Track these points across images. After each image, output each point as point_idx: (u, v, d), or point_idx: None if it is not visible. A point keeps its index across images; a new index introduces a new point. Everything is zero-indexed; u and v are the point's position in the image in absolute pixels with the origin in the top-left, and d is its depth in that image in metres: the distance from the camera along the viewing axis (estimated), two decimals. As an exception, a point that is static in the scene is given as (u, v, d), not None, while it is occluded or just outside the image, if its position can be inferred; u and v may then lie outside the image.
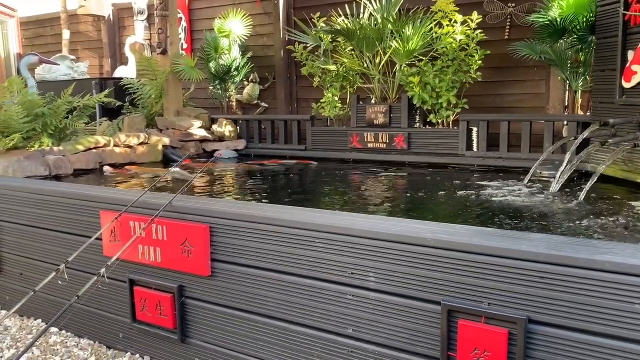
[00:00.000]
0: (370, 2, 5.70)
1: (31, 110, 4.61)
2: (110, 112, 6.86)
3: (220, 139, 6.29)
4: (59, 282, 2.07)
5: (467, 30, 5.21)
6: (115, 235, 2.74)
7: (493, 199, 3.62)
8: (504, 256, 1.77)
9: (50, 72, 7.92)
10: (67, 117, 5.08)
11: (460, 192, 3.89)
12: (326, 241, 2.12)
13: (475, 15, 5.18)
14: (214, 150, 6.13)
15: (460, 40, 5.20)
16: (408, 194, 4.20)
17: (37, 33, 10.14)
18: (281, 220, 2.24)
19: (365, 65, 5.73)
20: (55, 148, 4.68)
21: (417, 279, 1.94)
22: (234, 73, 7.07)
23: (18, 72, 6.32)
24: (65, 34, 9.20)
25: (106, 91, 5.65)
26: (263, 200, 3.79)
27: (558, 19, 4.71)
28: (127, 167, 5.12)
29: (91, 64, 9.16)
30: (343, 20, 5.81)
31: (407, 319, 1.99)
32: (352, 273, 2.09)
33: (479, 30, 5.19)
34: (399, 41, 5.32)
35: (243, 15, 7.17)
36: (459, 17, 5.20)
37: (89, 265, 2.84)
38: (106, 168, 4.85)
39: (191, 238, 2.48)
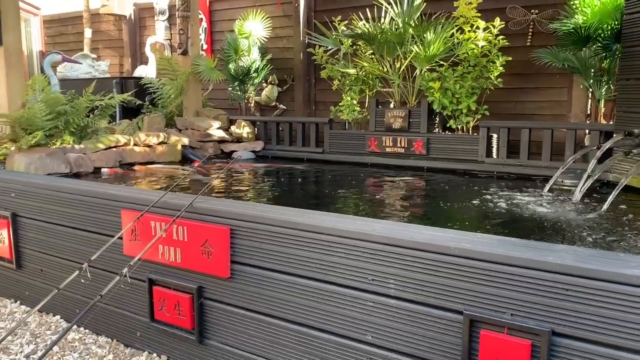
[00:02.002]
0: (392, 7, 5.68)
1: (54, 108, 4.65)
2: (130, 111, 6.92)
3: (239, 140, 6.31)
4: (82, 281, 2.08)
5: (489, 36, 5.17)
6: (135, 234, 2.75)
7: (514, 207, 3.58)
8: (529, 267, 1.75)
9: (72, 70, 8.02)
10: (88, 116, 5.13)
11: (480, 200, 3.85)
12: (347, 247, 2.11)
13: (497, 22, 5.14)
14: (232, 151, 6.15)
15: (482, 46, 5.17)
16: (427, 200, 4.18)
17: (60, 31, 10.27)
18: (303, 224, 2.23)
19: (385, 69, 5.72)
20: (76, 146, 4.73)
21: (439, 288, 1.93)
22: (254, 75, 7.10)
23: (42, 70, 6.39)
24: (87, 32, 9.31)
25: (129, 92, 5.69)
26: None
27: (582, 27, 4.66)
28: (136, 166, 5.14)
29: (112, 62, 9.25)
30: (364, 24, 5.80)
31: (427, 328, 1.97)
32: (372, 279, 2.07)
33: (501, 37, 5.15)
34: (420, 46, 5.30)
35: (263, 17, 7.19)
36: (482, 23, 5.16)
37: (108, 263, 2.86)
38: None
39: (212, 239, 2.48)
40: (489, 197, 3.95)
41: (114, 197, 2.92)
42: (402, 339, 2.03)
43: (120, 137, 5.15)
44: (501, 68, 5.17)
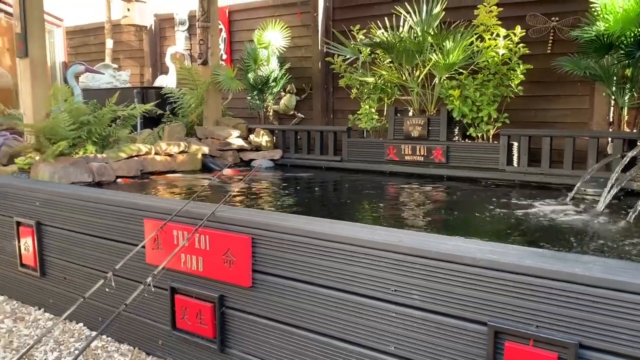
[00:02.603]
0: (410, 15, 5.68)
1: (77, 118, 4.72)
2: (151, 121, 7.00)
3: (257, 148, 6.35)
4: (107, 290, 2.10)
5: (509, 44, 5.14)
6: (158, 243, 2.78)
7: (537, 216, 3.54)
8: (556, 279, 1.72)
9: (94, 80, 8.14)
10: (110, 126, 5.20)
11: (503, 209, 3.81)
12: (371, 257, 2.10)
13: (518, 30, 5.11)
14: (251, 160, 6.19)
15: (502, 54, 5.14)
16: (448, 210, 4.14)
17: (82, 42, 10.45)
18: (325, 234, 2.23)
19: (404, 77, 5.71)
20: (99, 155, 4.79)
21: (463, 299, 1.91)
22: (272, 84, 7.15)
23: (65, 80, 6.50)
24: (109, 43, 9.47)
25: (152, 103, 5.76)
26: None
27: (604, 34, 4.60)
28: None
29: (132, 72, 9.38)
30: (382, 32, 5.81)
31: (451, 339, 1.95)
32: (395, 290, 2.06)
33: (522, 44, 5.12)
34: (439, 54, 5.29)
35: (282, 27, 7.25)
36: (502, 31, 5.14)
37: (131, 272, 2.88)
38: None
39: (233, 248, 2.49)
40: (511, 206, 3.91)
41: (136, 206, 2.95)
42: (425, 350, 2.01)
43: (142, 146, 5.20)
44: (522, 76, 5.13)
